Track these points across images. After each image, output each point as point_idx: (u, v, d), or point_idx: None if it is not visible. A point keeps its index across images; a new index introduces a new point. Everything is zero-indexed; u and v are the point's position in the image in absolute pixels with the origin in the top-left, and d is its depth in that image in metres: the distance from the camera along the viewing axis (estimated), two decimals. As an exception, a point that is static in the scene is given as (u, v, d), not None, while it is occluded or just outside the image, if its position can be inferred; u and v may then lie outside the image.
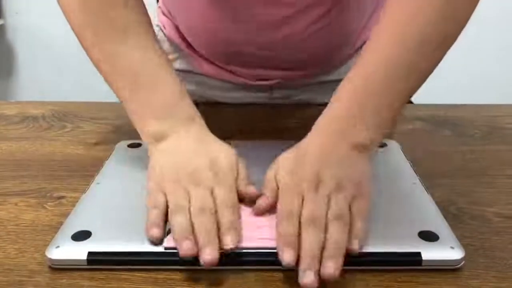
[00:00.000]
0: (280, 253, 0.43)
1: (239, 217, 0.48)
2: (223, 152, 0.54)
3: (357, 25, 0.77)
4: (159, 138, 0.55)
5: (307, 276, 0.42)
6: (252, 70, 0.79)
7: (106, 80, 0.58)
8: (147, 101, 0.57)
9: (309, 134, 0.54)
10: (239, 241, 0.45)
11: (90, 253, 0.45)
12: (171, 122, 0.56)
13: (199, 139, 0.55)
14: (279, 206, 0.48)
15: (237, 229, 0.46)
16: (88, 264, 0.45)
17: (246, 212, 0.50)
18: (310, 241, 0.44)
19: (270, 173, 0.52)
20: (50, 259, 0.45)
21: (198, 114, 0.58)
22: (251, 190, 0.51)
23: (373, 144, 0.52)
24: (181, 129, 0.56)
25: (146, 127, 0.56)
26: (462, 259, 0.44)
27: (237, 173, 0.52)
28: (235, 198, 0.50)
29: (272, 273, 0.44)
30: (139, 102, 0.57)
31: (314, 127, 0.54)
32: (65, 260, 0.45)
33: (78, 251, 0.45)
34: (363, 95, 0.52)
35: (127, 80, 0.57)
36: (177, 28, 0.84)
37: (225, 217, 0.47)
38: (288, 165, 0.51)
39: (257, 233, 0.47)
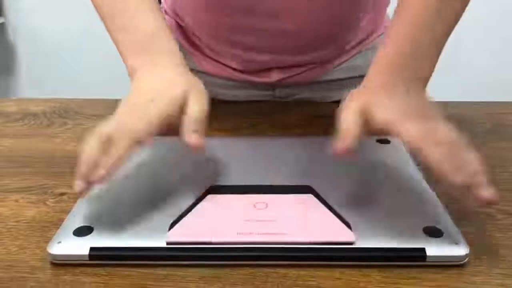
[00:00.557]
0: (451, 177, 0.44)
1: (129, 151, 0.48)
2: (179, 85, 0.53)
3: (361, 7, 0.77)
4: (133, 73, 0.56)
5: (486, 190, 0.44)
6: (256, 55, 0.78)
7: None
8: (125, 35, 0.59)
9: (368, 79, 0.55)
10: (105, 176, 0.45)
11: (92, 249, 0.44)
12: (145, 58, 0.57)
13: (165, 78, 0.55)
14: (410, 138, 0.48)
15: (111, 163, 0.46)
16: (90, 260, 0.44)
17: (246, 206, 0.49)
18: (471, 160, 0.46)
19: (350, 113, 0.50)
20: (52, 255, 0.45)
21: (175, 51, 0.58)
22: (192, 139, 0.49)
23: (430, 76, 0.54)
24: (153, 65, 0.57)
25: (125, 62, 0.58)
26: (466, 255, 0.44)
27: (185, 110, 0.51)
28: (141, 132, 0.49)
29: (272, 268, 0.44)
30: (118, 37, 0.60)
31: (374, 69, 0.56)
32: (67, 255, 0.45)
33: (80, 247, 0.45)
34: (414, 32, 0.54)
35: (110, 16, 0.61)
36: (179, 26, 0.84)
37: (112, 150, 0.47)
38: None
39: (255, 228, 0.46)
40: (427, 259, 0.44)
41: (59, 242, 0.45)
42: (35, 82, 2.40)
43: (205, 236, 0.45)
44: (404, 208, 0.50)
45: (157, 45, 0.58)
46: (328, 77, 0.83)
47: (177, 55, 0.58)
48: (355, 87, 0.55)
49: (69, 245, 0.45)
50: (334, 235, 0.45)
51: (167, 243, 0.45)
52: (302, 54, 0.78)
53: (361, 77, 0.87)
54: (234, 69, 0.81)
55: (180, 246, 0.45)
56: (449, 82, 1.81)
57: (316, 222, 0.47)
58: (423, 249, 0.44)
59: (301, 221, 0.47)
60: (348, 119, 0.50)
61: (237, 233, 0.45)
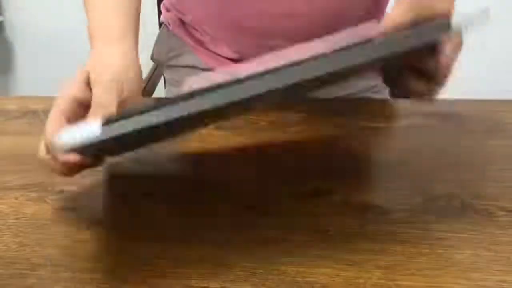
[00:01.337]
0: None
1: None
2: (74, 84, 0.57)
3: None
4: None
5: None
6: (268, 40, 0.75)
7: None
8: (90, 22, 0.62)
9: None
10: None
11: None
12: (95, 44, 0.59)
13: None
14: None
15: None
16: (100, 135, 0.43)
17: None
18: None
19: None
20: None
21: (127, 37, 0.59)
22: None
23: None
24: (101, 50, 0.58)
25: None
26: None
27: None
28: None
29: (271, 265, 0.44)
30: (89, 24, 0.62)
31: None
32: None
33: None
34: None
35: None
36: (181, 22, 0.83)
37: None
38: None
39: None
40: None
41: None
42: (34, 80, 2.40)
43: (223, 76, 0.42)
44: None
45: (110, 31, 0.60)
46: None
47: (114, 40, 0.59)
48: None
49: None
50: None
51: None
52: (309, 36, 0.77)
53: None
54: (238, 61, 0.80)
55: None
56: (452, 80, 1.81)
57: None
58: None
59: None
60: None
61: (257, 64, 0.43)
